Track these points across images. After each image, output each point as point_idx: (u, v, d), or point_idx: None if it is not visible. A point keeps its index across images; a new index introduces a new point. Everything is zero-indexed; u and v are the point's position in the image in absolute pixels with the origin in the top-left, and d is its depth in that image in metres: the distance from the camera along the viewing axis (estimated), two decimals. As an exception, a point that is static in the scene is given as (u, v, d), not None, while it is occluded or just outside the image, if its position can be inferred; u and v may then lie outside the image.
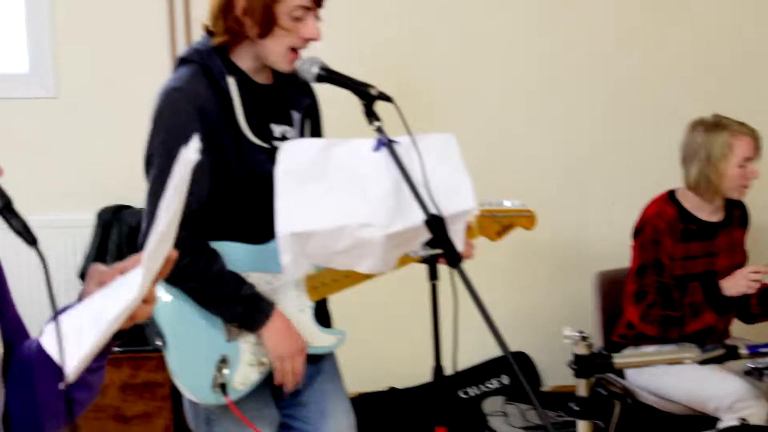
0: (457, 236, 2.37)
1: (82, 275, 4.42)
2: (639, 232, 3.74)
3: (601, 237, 4.73)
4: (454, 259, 2.25)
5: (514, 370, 4.69)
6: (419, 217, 2.28)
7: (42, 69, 4.48)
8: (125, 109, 4.48)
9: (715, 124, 3.71)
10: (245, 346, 2.61)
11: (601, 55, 4.78)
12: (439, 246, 2.29)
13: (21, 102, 4.48)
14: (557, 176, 4.79)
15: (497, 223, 2.89)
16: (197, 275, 2.51)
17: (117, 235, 4.43)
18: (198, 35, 4.30)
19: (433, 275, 2.37)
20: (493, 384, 4.78)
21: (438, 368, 2.42)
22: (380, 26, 4.60)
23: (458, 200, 2.36)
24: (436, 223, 2.26)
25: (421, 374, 4.71)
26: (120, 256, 4.41)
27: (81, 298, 1.78)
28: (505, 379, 4.79)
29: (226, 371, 2.57)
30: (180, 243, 2.43)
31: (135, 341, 4.34)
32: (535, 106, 4.75)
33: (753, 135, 3.70)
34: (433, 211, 2.27)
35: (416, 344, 4.72)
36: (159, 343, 2.60)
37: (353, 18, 4.41)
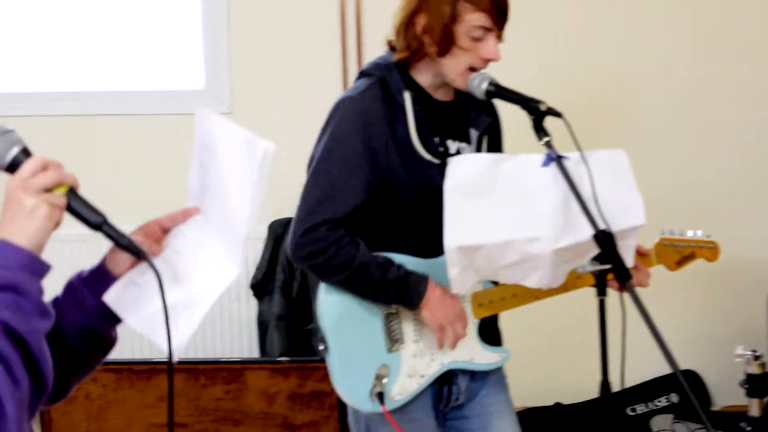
0: (628, 252, 2.35)
1: (253, 286, 4.54)
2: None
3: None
4: (624, 275, 2.24)
5: (683, 388, 4.63)
6: (588, 231, 2.27)
7: (218, 85, 4.62)
8: (296, 123, 4.58)
9: None
10: (405, 357, 2.64)
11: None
12: (609, 261, 2.27)
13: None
14: (728, 195, 4.69)
15: (677, 253, 2.84)
16: (343, 266, 2.55)
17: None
18: (369, 52, 4.46)
19: (602, 291, 2.36)
20: (662, 402, 4.70)
21: (605, 384, 2.39)
22: (550, 43, 4.60)
23: (628, 216, 2.34)
24: (605, 238, 2.25)
25: (587, 390, 4.69)
26: (290, 266, 4.51)
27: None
28: (674, 398, 4.70)
29: (384, 381, 2.61)
30: (321, 237, 2.51)
31: (303, 351, 4.44)
32: (708, 123, 4.66)
33: None
34: (602, 226, 2.26)
35: (582, 360, 4.69)
36: (321, 348, 2.65)
37: (524, 34, 4.41)
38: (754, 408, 2.68)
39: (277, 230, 4.56)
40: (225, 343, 4.67)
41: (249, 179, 1.74)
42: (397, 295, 2.58)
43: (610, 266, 2.27)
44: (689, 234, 2.89)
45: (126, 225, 4.64)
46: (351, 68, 4.52)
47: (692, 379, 4.73)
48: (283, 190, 4.59)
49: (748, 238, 4.67)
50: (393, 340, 2.63)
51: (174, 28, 4.67)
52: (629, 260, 2.34)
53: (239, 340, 4.67)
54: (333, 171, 2.56)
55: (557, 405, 4.67)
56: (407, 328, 2.65)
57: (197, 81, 4.67)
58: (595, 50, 4.62)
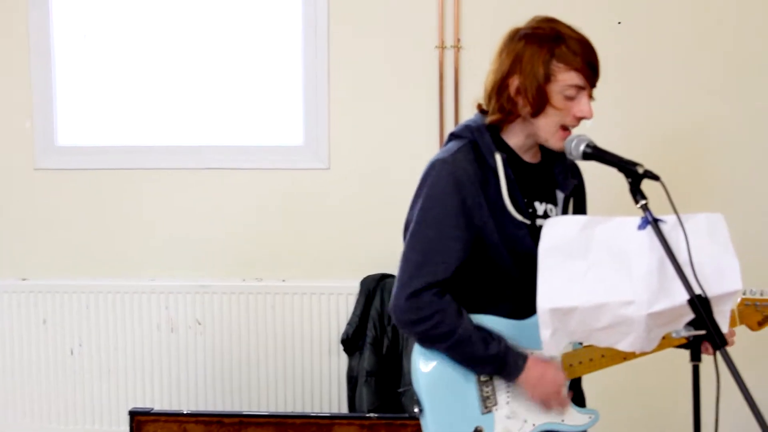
0: (723, 318, 2.33)
1: (344, 341, 4.57)
2: None
3: None
4: (719, 341, 2.21)
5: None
6: (683, 296, 2.25)
7: (316, 141, 4.70)
8: (392, 181, 4.64)
9: None
10: (499, 418, 2.64)
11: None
12: (703, 327, 2.25)
13: (296, 172, 4.72)
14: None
15: (759, 313, 2.82)
16: (445, 337, 2.56)
17: (379, 303, 4.56)
18: (466, 112, 4.49)
19: (696, 356, 2.33)
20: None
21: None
22: (646, 103, 4.60)
23: (724, 281, 2.32)
24: (700, 304, 2.23)
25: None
26: (381, 323, 4.54)
27: None
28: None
29: None
30: (425, 305, 2.53)
31: (392, 407, 4.44)
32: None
33: None
34: (697, 291, 2.24)
35: (644, 421, 4.62)
36: (416, 410, 2.66)
37: (622, 95, 4.43)
38: None
39: (370, 285, 4.59)
40: (314, 397, 4.70)
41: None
42: (495, 369, 2.61)
43: (704, 332, 2.24)
44: None
45: (228, 274, 4.74)
46: (448, 127, 4.56)
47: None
48: (374, 246, 4.66)
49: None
50: (487, 402, 2.63)
51: (276, 85, 4.77)
52: (724, 326, 2.32)
53: (329, 394, 4.70)
54: (430, 233, 2.58)
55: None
56: (500, 390, 2.66)
57: (296, 137, 4.76)
58: (684, 108, 4.60)
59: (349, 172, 4.68)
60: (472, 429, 2.62)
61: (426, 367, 2.64)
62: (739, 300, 2.77)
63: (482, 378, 2.64)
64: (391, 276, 4.63)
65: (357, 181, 4.68)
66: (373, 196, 4.66)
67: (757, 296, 2.83)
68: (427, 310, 2.55)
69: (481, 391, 2.64)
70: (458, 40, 4.56)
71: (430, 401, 2.63)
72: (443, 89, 4.59)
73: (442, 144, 4.48)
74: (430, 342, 2.61)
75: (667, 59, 4.59)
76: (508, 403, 2.66)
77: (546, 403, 2.63)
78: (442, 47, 4.57)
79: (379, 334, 4.54)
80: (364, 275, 4.63)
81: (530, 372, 2.60)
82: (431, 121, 4.60)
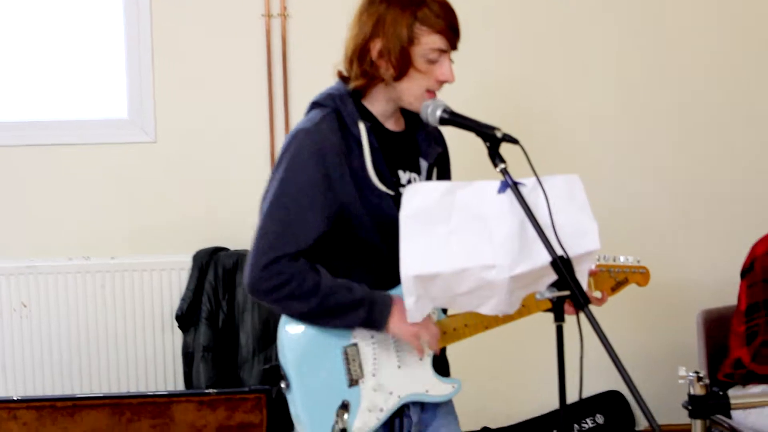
0: (583, 278, 2.37)
1: (179, 317, 4.48)
2: (748, 271, 3.71)
3: (704, 275, 4.70)
4: (581, 300, 2.24)
5: (609, 409, 4.68)
6: (545, 258, 2.27)
7: (142, 114, 4.58)
8: (221, 153, 4.56)
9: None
10: (365, 391, 2.62)
11: (711, 94, 4.79)
12: (566, 287, 2.27)
13: (121, 146, 4.58)
14: (661, 216, 4.78)
15: (612, 279, 2.89)
16: (310, 293, 2.51)
17: (213, 277, 4.49)
18: (295, 79, 4.45)
19: (559, 317, 2.35)
20: (588, 424, 4.75)
21: (564, 408, 2.38)
22: (503, 66, 4.67)
23: (584, 241, 2.35)
24: (562, 264, 2.26)
25: (514, 414, 4.72)
26: (216, 297, 4.47)
27: None
28: (600, 419, 4.76)
29: (346, 416, 2.58)
30: (283, 270, 2.48)
31: (231, 382, 4.39)
32: (640, 146, 4.76)
33: None
34: (559, 252, 2.27)
35: (509, 384, 4.74)
36: (283, 385, 2.62)
37: (477, 58, 4.46)
38: (698, 429, 2.71)
39: (203, 260, 4.51)
40: (150, 376, 4.59)
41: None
42: (367, 312, 2.55)
43: (568, 292, 2.27)
44: (621, 259, 2.94)
45: (54, 253, 4.60)
46: (276, 97, 4.50)
47: (617, 400, 4.79)
48: (208, 219, 4.58)
49: (679, 259, 4.76)
50: (353, 374, 2.61)
51: (99, 57, 4.63)
52: (584, 285, 2.36)
53: (164, 372, 4.60)
54: (291, 204, 2.53)
55: (485, 429, 4.69)
56: (367, 362, 2.63)
57: (120, 110, 4.62)
58: (525, 72, 4.68)
59: (177, 145, 4.58)
60: (339, 403, 2.58)
61: (293, 342, 2.59)
62: (595, 264, 2.81)
63: (349, 350, 2.61)
64: (224, 249, 4.57)
65: (185, 154, 4.58)
66: (201, 169, 4.57)
67: (611, 262, 2.90)
68: (285, 275, 2.50)
69: (348, 363, 2.61)
70: (285, 8, 4.51)
71: (297, 376, 2.59)
72: (271, 59, 4.52)
73: (272, 112, 4.48)
74: (295, 305, 2.54)
75: (519, 28, 4.66)
76: (374, 375, 2.64)
77: (417, 334, 2.58)
78: (268, 16, 4.50)
79: (214, 308, 4.47)
80: (196, 249, 4.54)
81: (398, 307, 2.56)
82: (260, 91, 4.54)
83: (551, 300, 2.35)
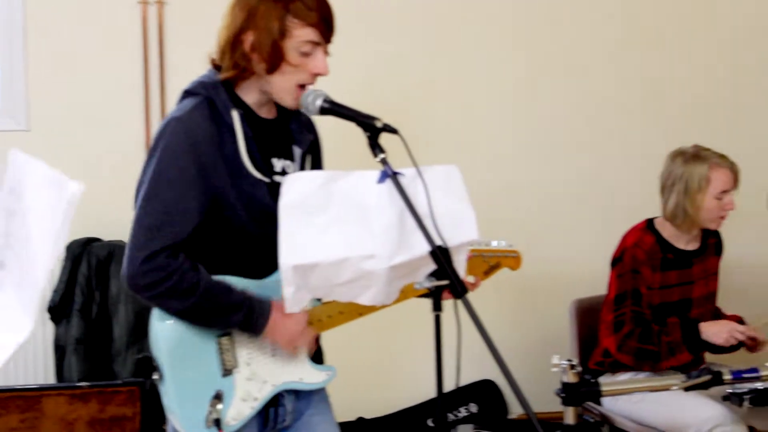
0: (461, 267, 2.39)
1: (51, 308, 4.39)
2: (618, 261, 3.78)
3: (576, 265, 4.79)
4: (459, 289, 2.27)
5: (483, 398, 4.73)
6: (424, 248, 2.29)
7: (13, 102, 4.47)
8: (96, 143, 4.47)
9: (694, 156, 3.76)
10: (239, 381, 2.60)
11: (576, 83, 4.87)
12: (444, 277, 2.30)
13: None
14: (535, 207, 4.85)
15: (485, 263, 2.92)
16: (188, 292, 2.48)
17: (86, 268, 4.41)
18: (172, 72, 4.39)
19: (437, 306, 2.38)
20: (462, 412, 4.80)
21: (441, 397, 2.41)
22: (380, 57, 4.68)
23: (462, 231, 2.38)
24: (441, 254, 2.28)
25: (389, 404, 4.75)
26: (89, 288, 4.39)
27: None
28: (474, 408, 4.81)
29: (220, 406, 2.56)
30: (162, 266, 2.45)
31: (103, 375, 4.32)
32: (515, 138, 4.82)
33: (731, 168, 3.75)
34: (438, 242, 2.28)
35: (383, 374, 4.76)
36: (156, 377, 2.58)
37: (356, 49, 4.46)
38: (570, 416, 2.76)
39: (75, 251, 4.43)
40: (19, 369, 4.48)
41: (53, 225, 1.65)
42: (245, 316, 2.54)
43: (447, 282, 2.29)
44: (494, 244, 2.97)
45: None
46: (153, 85, 4.44)
47: (490, 389, 4.85)
48: (81, 209, 4.48)
49: (552, 249, 4.84)
50: (227, 364, 2.59)
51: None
52: (462, 274, 2.38)
53: (34, 366, 4.49)
54: (166, 195, 2.49)
55: (360, 420, 4.70)
56: (241, 352, 2.62)
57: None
58: (405, 64, 4.70)
59: (51, 133, 4.47)
60: (213, 393, 2.56)
61: (166, 331, 2.55)
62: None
63: (223, 340, 2.59)
64: (97, 240, 4.49)
65: (59, 143, 4.47)
66: (75, 159, 4.46)
67: (483, 247, 2.93)
68: (164, 271, 2.46)
69: (222, 353, 2.59)
70: (162, -5, 4.45)
71: (170, 367, 2.55)
72: (147, 46, 4.45)
73: (148, 100, 4.41)
74: (172, 302, 2.50)
75: (398, 19, 4.68)
76: (248, 364, 2.62)
77: (293, 342, 2.60)
78: (144, 2, 4.44)
79: (87, 300, 4.39)
80: (69, 240, 4.44)
81: (276, 314, 2.55)
82: (135, 79, 4.47)
83: (430, 289, 2.37)
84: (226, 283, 2.54)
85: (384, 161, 2.35)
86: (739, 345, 3.82)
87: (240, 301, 2.53)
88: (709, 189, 3.71)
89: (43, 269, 1.63)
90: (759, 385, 3.13)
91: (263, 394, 2.64)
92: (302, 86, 2.57)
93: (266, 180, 2.59)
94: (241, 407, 2.61)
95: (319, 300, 2.69)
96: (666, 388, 2.94)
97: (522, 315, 4.85)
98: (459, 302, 2.25)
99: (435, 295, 2.37)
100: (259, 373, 2.64)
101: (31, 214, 1.67)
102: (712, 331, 3.68)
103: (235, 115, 2.56)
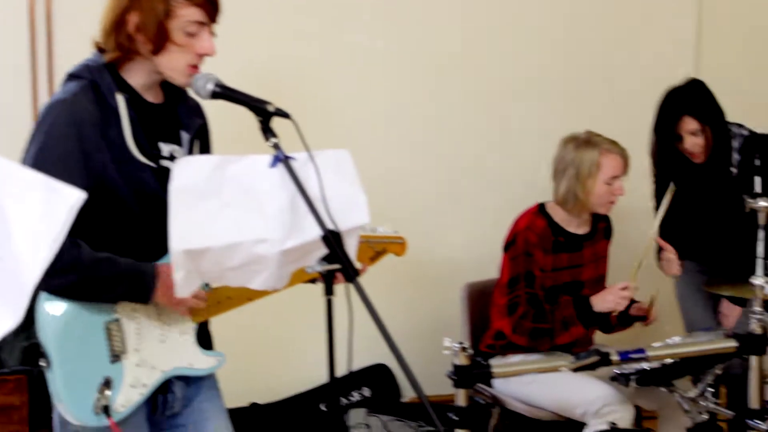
0: (353, 251, 2.40)
1: None
2: (510, 244, 3.83)
3: (468, 250, 4.83)
4: (351, 273, 2.27)
5: (375, 382, 4.74)
6: (315, 232, 2.28)
7: None
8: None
9: (586, 141, 3.82)
10: (128, 367, 2.58)
11: (469, 69, 4.88)
12: (336, 261, 2.30)
13: None
14: (427, 191, 4.87)
15: (371, 249, 2.94)
16: (70, 268, 2.44)
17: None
18: (60, 61, 4.29)
19: (329, 290, 2.39)
20: (355, 396, 4.81)
21: (333, 381, 2.42)
22: (272, 41, 4.62)
23: (353, 215, 2.38)
24: (332, 238, 2.28)
25: (282, 389, 4.73)
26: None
27: None
28: (367, 392, 4.83)
29: (108, 393, 2.53)
30: None
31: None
32: (406, 122, 4.82)
33: (622, 154, 3.82)
34: (329, 226, 2.28)
35: (276, 359, 4.75)
36: (43, 364, 2.54)
37: (245, 33, 4.42)
38: (461, 398, 2.79)
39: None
40: None
41: (48, 230, 1.63)
42: (131, 285, 2.51)
43: (338, 266, 2.29)
44: (380, 230, 3.00)
45: None
46: (41, 74, 4.34)
47: (383, 373, 4.87)
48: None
49: (444, 233, 4.87)
50: (115, 350, 2.56)
51: None
52: (353, 258, 2.39)
53: None
54: (48, 175, 2.44)
55: (253, 405, 4.68)
56: (129, 337, 2.59)
57: None
58: (297, 48, 4.68)
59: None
60: (101, 379, 2.53)
61: (52, 318, 2.51)
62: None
63: (111, 326, 2.56)
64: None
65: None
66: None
67: (369, 233, 2.95)
68: None
69: (110, 339, 2.56)
70: (49, -20, 4.34)
71: (58, 353, 2.51)
72: (35, 31, 4.34)
73: (35, 90, 4.31)
74: (57, 278, 2.43)
75: (292, 4, 4.64)
76: (137, 350, 2.60)
77: (182, 303, 2.58)
78: (32, -17, 4.33)
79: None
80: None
81: (163, 277, 2.52)
82: (22, 65, 4.36)
83: (321, 274, 2.38)
84: (109, 256, 2.51)
85: (276, 146, 2.34)
86: (632, 321, 3.91)
87: (124, 270, 2.51)
88: (599, 174, 3.77)
89: (32, 278, 1.60)
90: (645, 365, 3.21)
91: (152, 380, 2.62)
92: (194, 66, 2.55)
93: (152, 165, 2.57)
94: (130, 394, 2.58)
95: (207, 285, 2.68)
96: (555, 369, 2.99)
97: (415, 299, 4.87)
98: (351, 286, 2.26)
99: (327, 279, 2.38)
100: (149, 359, 2.62)
101: (12, 222, 1.63)
102: (599, 301, 3.75)
103: (120, 99, 2.53)
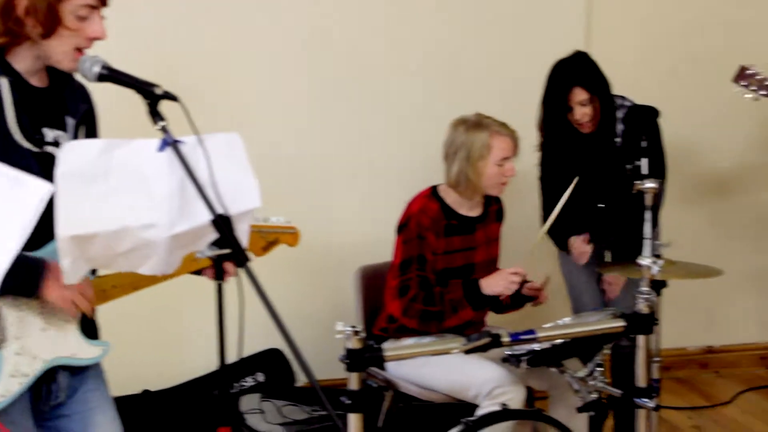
0: (244, 236, 2.38)
1: None
2: (403, 227, 3.84)
3: (362, 233, 4.83)
4: (242, 258, 2.25)
5: (269, 367, 4.73)
6: (205, 216, 2.26)
7: None
8: None
9: (476, 124, 3.84)
10: (8, 356, 2.52)
11: (359, 55, 4.88)
12: (226, 246, 2.28)
13: None
14: (319, 175, 4.85)
15: (263, 239, 2.93)
16: None
17: None
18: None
19: (219, 275, 2.37)
20: (249, 381, 4.79)
21: (224, 368, 2.40)
22: (162, 25, 4.56)
23: (244, 199, 2.36)
24: (222, 223, 2.26)
25: (174, 376, 4.69)
26: None
27: None
28: (261, 377, 4.81)
29: None
30: None
31: None
32: (301, 107, 4.80)
33: (512, 135, 3.86)
34: (219, 210, 2.26)
35: (168, 346, 4.70)
36: None
37: (135, 16, 4.34)
38: (354, 381, 2.79)
39: None
40: None
41: (19, 221, 1.61)
42: (16, 279, 2.40)
43: (229, 251, 2.27)
44: (273, 220, 2.98)
45: None
46: None
47: (277, 358, 4.86)
48: None
49: (337, 216, 4.86)
50: None
51: None
52: (245, 242, 2.37)
53: None
54: None
55: (145, 392, 4.63)
56: (10, 325, 2.53)
57: None
58: (207, 31, 4.64)
59: None
60: None
61: None
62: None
63: None
64: None
65: None
66: None
67: (261, 223, 2.93)
68: None
69: None
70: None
71: None
72: None
73: None
74: None
75: None
76: (18, 338, 2.54)
77: (72, 303, 2.54)
78: None
79: None
80: None
81: (52, 272, 2.48)
82: None
83: (211, 258, 2.35)
84: None
85: (164, 129, 2.31)
86: (524, 301, 3.96)
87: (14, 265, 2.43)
88: (490, 156, 3.81)
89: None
90: (536, 346, 3.25)
91: (33, 369, 2.56)
92: (80, 50, 2.50)
93: (36, 150, 2.51)
94: (9, 383, 2.52)
95: (93, 273, 2.63)
96: (447, 352, 3.01)
97: (310, 284, 4.87)
98: (242, 271, 2.24)
99: (216, 265, 2.36)
100: (30, 348, 2.56)
101: None
102: (490, 284, 3.79)
103: (3, 83, 2.48)
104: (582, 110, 4.05)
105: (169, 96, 2.35)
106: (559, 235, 4.31)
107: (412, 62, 4.91)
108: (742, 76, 4.30)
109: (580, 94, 4.03)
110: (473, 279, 3.82)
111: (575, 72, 4.05)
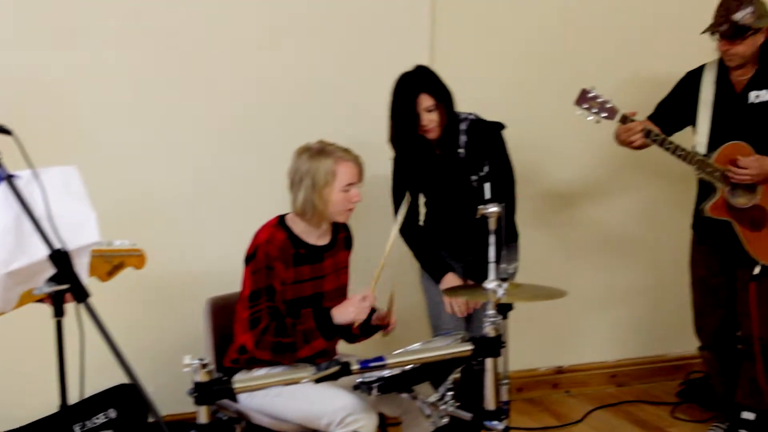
0: (83, 270, 2.34)
1: None
2: (251, 258, 3.80)
3: (211, 263, 4.78)
4: (81, 293, 2.21)
5: (121, 403, 4.63)
6: (42, 252, 2.22)
7: None
8: None
9: (319, 151, 3.85)
10: None
11: (212, 83, 4.84)
12: (65, 281, 2.24)
13: None
14: (170, 204, 4.78)
15: (108, 263, 2.88)
16: None
17: None
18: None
19: (59, 312, 2.32)
20: (101, 419, 4.68)
21: (65, 407, 2.35)
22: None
23: (83, 233, 2.33)
24: (61, 258, 2.22)
25: (22, 415, 4.54)
26: None
27: None
28: (113, 413, 4.70)
29: None
30: None
31: None
32: (142, 135, 4.71)
33: (356, 161, 3.88)
34: (57, 245, 2.22)
35: (5, 388, 4.53)
36: None
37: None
38: (203, 415, 2.76)
39: None
40: None
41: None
42: None
43: (68, 286, 2.23)
44: (117, 243, 2.94)
45: None
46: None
47: (131, 392, 4.76)
48: None
49: (187, 247, 4.80)
50: None
51: None
52: (85, 278, 2.34)
53: None
54: None
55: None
56: None
57: None
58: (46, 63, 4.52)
59: None
60: None
61: None
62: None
63: None
64: None
65: None
66: None
67: (105, 247, 2.88)
68: None
69: None
70: None
71: None
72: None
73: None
74: None
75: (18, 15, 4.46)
76: None
77: None
78: None
79: None
80: None
81: None
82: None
83: (50, 294, 2.30)
84: None
85: (-3, 163, 2.26)
86: (373, 331, 3.98)
87: None
88: (335, 183, 3.82)
89: None
90: (386, 372, 3.27)
91: None
92: None
93: None
94: None
95: None
96: (296, 381, 3.00)
97: (158, 316, 4.78)
98: (81, 306, 2.20)
99: (56, 301, 2.31)
100: None
101: None
102: (341, 312, 3.80)
103: None
104: (428, 116, 4.18)
105: (2, 129, 2.30)
106: (428, 258, 4.47)
107: (255, 91, 4.89)
108: (584, 98, 4.43)
109: (426, 101, 4.16)
110: (325, 308, 3.81)
111: (419, 80, 4.21)
